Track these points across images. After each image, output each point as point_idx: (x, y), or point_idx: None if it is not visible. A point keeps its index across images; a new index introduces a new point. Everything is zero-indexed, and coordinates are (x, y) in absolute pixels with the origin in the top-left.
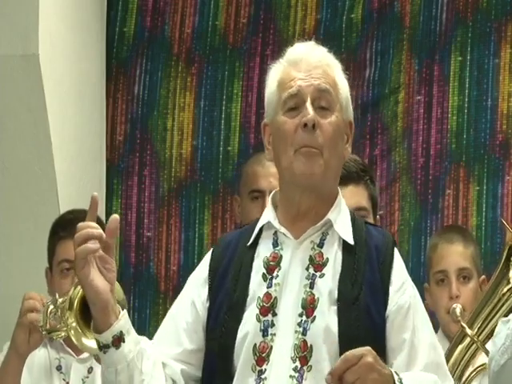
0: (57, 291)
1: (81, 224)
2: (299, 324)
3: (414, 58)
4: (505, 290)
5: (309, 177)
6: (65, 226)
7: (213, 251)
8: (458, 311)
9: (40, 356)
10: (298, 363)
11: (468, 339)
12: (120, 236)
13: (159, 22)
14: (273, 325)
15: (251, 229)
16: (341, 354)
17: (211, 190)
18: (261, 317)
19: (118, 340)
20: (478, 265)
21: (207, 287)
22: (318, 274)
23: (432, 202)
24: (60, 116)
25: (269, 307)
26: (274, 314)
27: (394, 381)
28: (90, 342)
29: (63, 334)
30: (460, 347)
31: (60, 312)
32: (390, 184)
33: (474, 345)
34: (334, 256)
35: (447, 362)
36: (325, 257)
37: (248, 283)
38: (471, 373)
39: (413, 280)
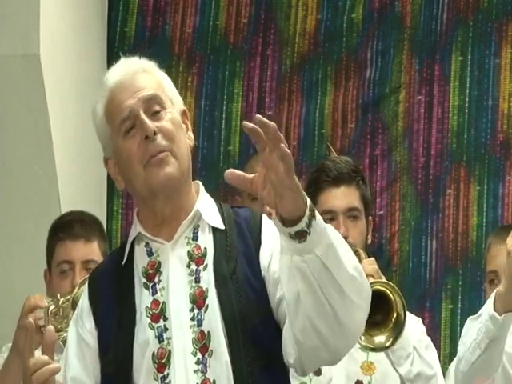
0: (56, 291)
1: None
2: (192, 318)
3: (415, 57)
4: None
5: (168, 181)
6: (64, 227)
7: (88, 285)
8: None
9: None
10: (199, 355)
11: None
12: (121, 236)
13: (160, 21)
14: (166, 329)
15: (122, 249)
16: (227, 331)
17: (212, 190)
18: (153, 324)
19: None
20: None
21: (92, 316)
22: (200, 267)
23: (433, 202)
24: (61, 116)
25: (159, 313)
26: (165, 319)
27: (305, 201)
28: None
29: (65, 334)
30: None
31: (62, 312)
32: (391, 184)
33: None
34: (208, 244)
35: None
36: (202, 248)
37: (133, 299)
38: None
39: (413, 280)
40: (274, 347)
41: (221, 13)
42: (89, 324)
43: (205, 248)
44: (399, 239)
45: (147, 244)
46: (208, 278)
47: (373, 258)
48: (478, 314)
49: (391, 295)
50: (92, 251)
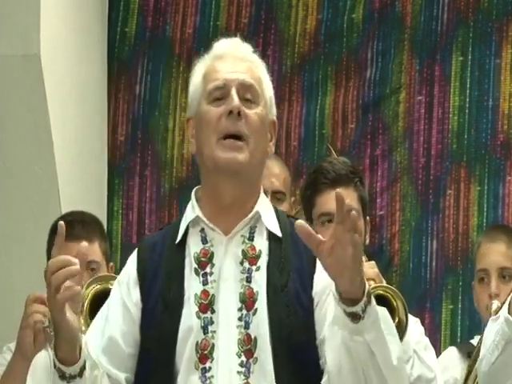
0: None
1: (57, 261)
2: (240, 319)
3: (415, 57)
4: None
5: (233, 163)
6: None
7: (138, 254)
8: (494, 307)
9: (41, 358)
10: (243, 357)
11: None
12: (121, 236)
13: (160, 22)
14: (212, 322)
15: (175, 227)
16: (273, 342)
17: None
18: (200, 314)
19: (82, 369)
20: None
21: (138, 289)
22: (253, 267)
23: (433, 203)
24: (61, 116)
25: (207, 304)
26: (213, 312)
27: (363, 286)
28: None
29: None
30: None
31: None
32: (391, 184)
33: None
34: (264, 247)
35: (475, 358)
36: (257, 249)
37: (183, 281)
38: None
39: (414, 281)
40: (313, 367)
41: (221, 13)
42: (135, 295)
43: (259, 250)
44: (399, 239)
45: (202, 230)
46: (260, 281)
47: (373, 262)
48: (497, 315)
49: (393, 300)
50: (93, 252)
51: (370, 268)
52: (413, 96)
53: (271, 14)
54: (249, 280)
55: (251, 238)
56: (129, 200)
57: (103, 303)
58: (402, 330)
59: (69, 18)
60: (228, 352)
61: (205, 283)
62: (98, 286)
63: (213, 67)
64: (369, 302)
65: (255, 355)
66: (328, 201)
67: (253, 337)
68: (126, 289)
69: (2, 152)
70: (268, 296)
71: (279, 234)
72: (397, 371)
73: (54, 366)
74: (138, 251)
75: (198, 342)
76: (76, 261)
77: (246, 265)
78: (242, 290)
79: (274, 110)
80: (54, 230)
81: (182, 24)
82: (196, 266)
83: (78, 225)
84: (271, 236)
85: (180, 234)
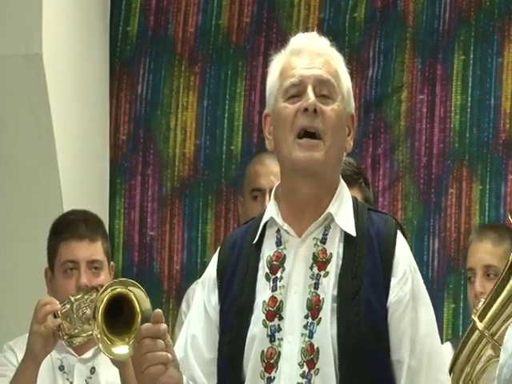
0: (59, 291)
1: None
2: (305, 326)
3: (417, 57)
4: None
5: (309, 163)
6: (67, 226)
7: (219, 252)
8: (479, 305)
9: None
10: (305, 368)
11: (477, 332)
12: (123, 235)
13: (162, 21)
14: (280, 329)
15: (256, 225)
16: (340, 353)
17: (214, 189)
18: (267, 322)
19: None
20: None
21: (217, 291)
22: (322, 273)
23: (435, 201)
24: (63, 115)
25: (275, 311)
26: (281, 318)
27: None
28: (120, 349)
29: (81, 339)
30: (471, 340)
31: (76, 315)
32: (393, 183)
33: (485, 339)
34: (336, 250)
35: (459, 354)
36: (328, 252)
37: (254, 287)
38: (481, 368)
39: None
40: (382, 381)
41: (223, 12)
42: (213, 298)
43: (330, 254)
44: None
45: (278, 231)
46: (327, 287)
47: None
48: None
49: None
50: (96, 251)
51: None
52: (415, 95)
53: (273, 13)
54: (316, 286)
55: (323, 241)
56: (131, 199)
57: (119, 307)
58: None
59: (70, 17)
60: (291, 361)
61: (274, 289)
62: (117, 290)
63: (289, 63)
64: None
65: (317, 366)
66: None
67: (316, 347)
68: (206, 292)
69: (3, 151)
70: (338, 303)
71: (353, 234)
72: None
73: None
74: (219, 250)
75: (263, 351)
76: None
77: (315, 270)
78: (309, 295)
79: (353, 104)
80: (55, 228)
81: (184, 23)
82: (268, 271)
83: (81, 224)
84: (346, 236)
85: (257, 236)
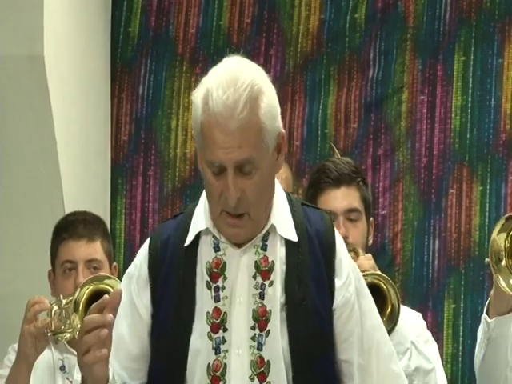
0: (60, 291)
1: (90, 322)
2: (253, 338)
3: (418, 57)
4: None
5: (236, 238)
6: (67, 227)
7: (150, 248)
8: None
9: (44, 357)
10: (256, 381)
11: None
12: (124, 235)
13: (163, 22)
14: (224, 341)
15: (185, 225)
16: (292, 364)
17: None
18: (212, 334)
19: None
20: None
21: (149, 290)
22: (266, 282)
23: (435, 202)
24: (65, 116)
25: (219, 323)
26: (225, 330)
27: None
28: None
29: (68, 335)
30: None
31: (64, 313)
32: (394, 184)
33: None
34: (278, 257)
35: None
36: (270, 260)
37: (194, 293)
38: None
39: (416, 281)
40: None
41: (224, 13)
42: (145, 297)
43: (272, 261)
44: (402, 239)
45: (215, 236)
46: (273, 297)
47: (369, 254)
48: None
49: (385, 287)
50: (95, 250)
51: (366, 260)
52: (415, 96)
53: (274, 13)
54: (262, 296)
55: (264, 248)
56: (132, 199)
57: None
58: (394, 315)
59: (72, 18)
60: (241, 375)
61: (217, 299)
62: (93, 287)
63: (208, 128)
64: None
65: (268, 379)
66: (330, 200)
67: (266, 360)
68: (135, 286)
69: (5, 151)
70: (287, 313)
71: (294, 239)
72: None
73: None
74: (150, 246)
75: (209, 364)
76: (111, 319)
77: (259, 279)
78: (254, 306)
79: (278, 124)
80: (57, 229)
81: (185, 24)
82: (208, 279)
83: (80, 224)
84: (287, 241)
85: (188, 240)
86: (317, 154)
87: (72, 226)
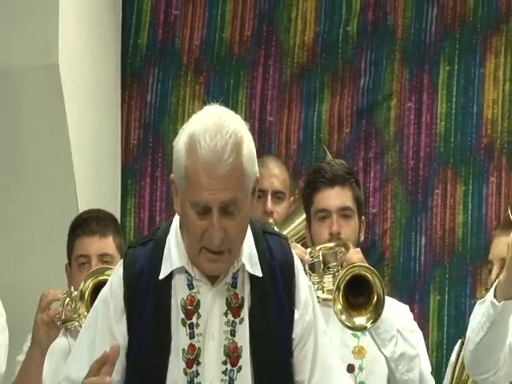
0: (75, 283)
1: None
2: (224, 373)
3: (406, 67)
4: None
5: (215, 272)
6: (82, 224)
7: (125, 276)
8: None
9: (60, 344)
10: None
11: None
12: (134, 232)
13: (170, 34)
14: (198, 374)
15: (159, 256)
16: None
17: None
18: (187, 370)
19: None
20: None
21: (125, 320)
22: (237, 320)
23: (422, 201)
24: (78, 122)
25: (193, 358)
26: (198, 363)
27: None
28: None
29: (76, 323)
30: None
31: (74, 303)
32: (383, 184)
33: None
34: (246, 293)
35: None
36: (240, 297)
37: (169, 328)
38: None
39: (403, 275)
40: None
41: (226, 26)
42: (122, 327)
43: (242, 298)
44: (391, 236)
45: (189, 273)
46: (243, 334)
47: (358, 249)
48: (484, 299)
49: (371, 278)
50: (107, 245)
51: (355, 253)
52: (403, 103)
53: (272, 27)
54: (233, 333)
55: (234, 285)
56: (141, 199)
57: None
58: (380, 304)
59: (85, 30)
60: None
61: (191, 336)
62: (96, 278)
63: (194, 172)
64: None
65: None
66: (325, 198)
67: None
68: (112, 314)
69: (23, 155)
70: (252, 346)
71: (259, 275)
72: None
73: None
74: (123, 275)
75: None
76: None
77: (230, 317)
78: (226, 342)
79: (255, 170)
80: (73, 226)
81: (190, 36)
82: (183, 316)
83: (93, 221)
84: (252, 277)
85: (163, 275)
86: (312, 156)
87: (86, 223)
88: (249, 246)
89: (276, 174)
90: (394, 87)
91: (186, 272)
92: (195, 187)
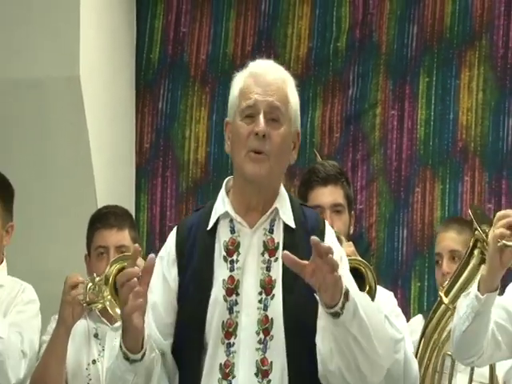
0: (94, 271)
1: (121, 275)
2: (260, 301)
3: (389, 79)
4: (470, 269)
5: (256, 177)
6: (101, 218)
7: (177, 234)
8: (445, 283)
9: (81, 326)
10: (261, 335)
11: (443, 306)
12: (146, 226)
13: (179, 49)
14: (237, 303)
15: (208, 212)
16: (286, 322)
17: (220, 186)
18: (227, 297)
19: (143, 355)
20: None
21: (176, 266)
22: (272, 258)
23: (404, 198)
24: (97, 128)
25: (233, 288)
26: (237, 294)
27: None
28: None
29: (100, 305)
30: (438, 313)
31: (97, 287)
32: (369, 183)
33: (449, 311)
34: (281, 239)
35: (428, 324)
36: (275, 242)
37: (212, 264)
38: (446, 335)
39: (387, 263)
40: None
41: (229, 42)
42: (173, 271)
43: (277, 242)
44: (376, 229)
45: (231, 221)
46: (278, 270)
47: (351, 242)
48: (468, 291)
49: (364, 271)
50: (123, 238)
51: (348, 247)
52: (387, 110)
53: (270, 43)
54: (268, 269)
55: (271, 231)
56: (153, 196)
57: None
58: (372, 294)
59: (104, 45)
60: (249, 330)
61: (231, 270)
62: (121, 264)
63: (247, 86)
64: (346, 299)
65: (271, 333)
66: (318, 196)
67: (270, 318)
68: (166, 264)
69: (48, 159)
70: (284, 282)
71: (293, 226)
72: (379, 343)
73: (121, 348)
74: (177, 231)
75: (223, 322)
76: (137, 272)
77: (266, 256)
78: (262, 276)
79: (299, 122)
80: (92, 220)
81: (197, 51)
82: (225, 254)
83: (111, 216)
84: (286, 228)
85: (211, 224)
86: (306, 158)
87: (105, 217)
88: (285, 202)
89: None
90: (378, 97)
91: (230, 221)
92: (247, 94)
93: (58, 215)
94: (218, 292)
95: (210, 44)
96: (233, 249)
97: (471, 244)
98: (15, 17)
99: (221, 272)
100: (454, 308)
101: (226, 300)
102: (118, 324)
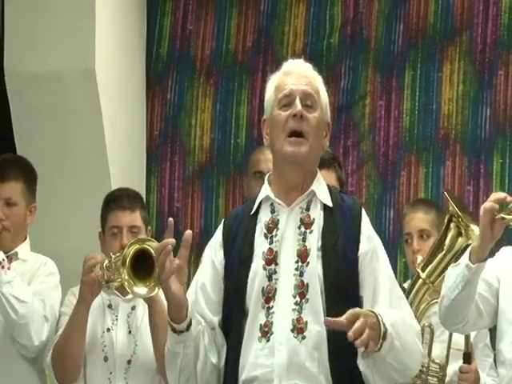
0: (108, 249)
1: (158, 246)
2: (296, 268)
3: (377, 72)
4: (447, 243)
5: (296, 156)
6: (114, 200)
7: (224, 223)
8: (418, 260)
9: (95, 303)
10: (297, 298)
11: (421, 281)
12: (156, 206)
13: (185, 45)
14: (275, 272)
15: (253, 202)
16: (325, 287)
17: (225, 172)
18: (266, 266)
19: (189, 325)
20: (440, 226)
21: (222, 250)
22: (308, 230)
23: (390, 181)
24: (111, 116)
25: (272, 259)
26: (276, 264)
27: (379, 321)
28: (140, 290)
29: (116, 284)
30: (415, 287)
31: (114, 266)
32: (359, 167)
33: (426, 285)
34: (318, 216)
35: (406, 298)
36: (312, 217)
37: (253, 242)
38: (424, 308)
39: None
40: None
41: (231, 39)
42: (220, 255)
43: (313, 218)
44: (365, 209)
45: (272, 204)
46: (312, 241)
47: None
48: (457, 263)
49: None
50: (136, 218)
51: None
52: (375, 101)
53: (269, 39)
54: (304, 240)
55: (308, 209)
56: (162, 179)
57: (142, 259)
58: None
59: (117, 40)
60: (286, 294)
61: (270, 243)
62: (137, 246)
63: (282, 81)
64: (384, 339)
65: (307, 296)
66: None
67: (305, 282)
68: (213, 251)
69: (67, 146)
70: (322, 252)
71: (330, 205)
72: (410, 360)
73: (168, 322)
74: (224, 222)
75: (263, 288)
76: (172, 241)
77: (303, 229)
78: (298, 247)
79: (329, 114)
80: (107, 201)
81: (202, 47)
82: (265, 231)
83: (124, 198)
84: (325, 207)
85: (254, 207)
86: None
87: (118, 199)
88: (323, 185)
89: (271, 159)
90: (368, 88)
91: (271, 204)
92: (282, 86)
93: (75, 197)
94: (257, 263)
95: (214, 40)
96: (272, 226)
97: (447, 219)
98: (34, 14)
99: (261, 246)
100: (431, 282)
101: (265, 269)
102: (130, 296)
